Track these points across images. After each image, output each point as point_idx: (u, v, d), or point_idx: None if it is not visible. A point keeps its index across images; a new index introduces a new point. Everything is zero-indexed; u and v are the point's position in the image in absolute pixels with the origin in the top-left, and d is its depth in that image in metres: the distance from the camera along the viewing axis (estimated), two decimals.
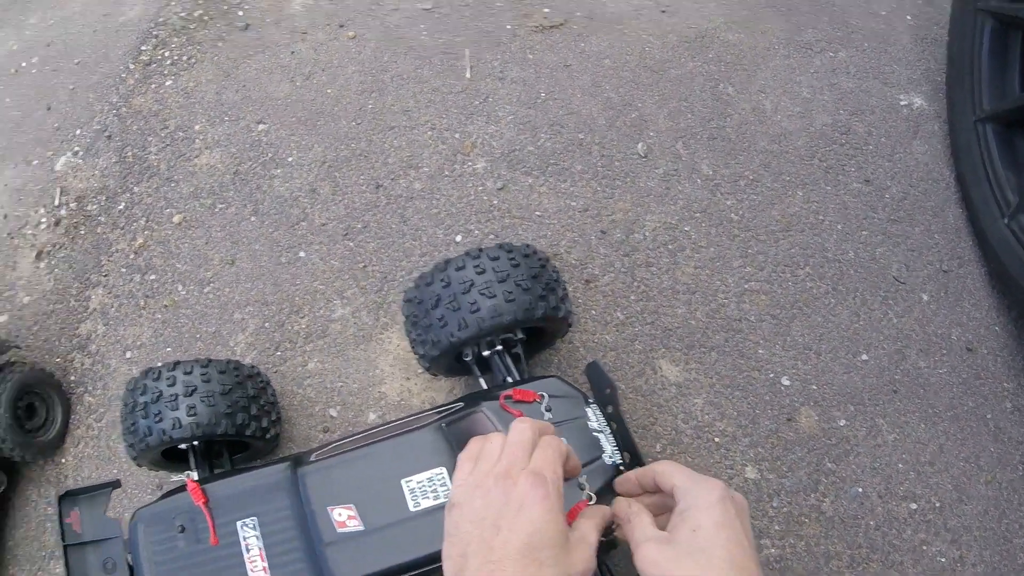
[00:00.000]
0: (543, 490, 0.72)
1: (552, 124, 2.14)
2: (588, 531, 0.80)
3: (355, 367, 1.90)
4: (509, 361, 1.49)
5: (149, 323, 2.11)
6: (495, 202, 2.03)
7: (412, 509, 1.13)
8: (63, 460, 2.11)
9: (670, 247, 1.98)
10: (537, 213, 2.02)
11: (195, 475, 1.55)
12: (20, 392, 2.02)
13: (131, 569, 1.21)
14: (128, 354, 2.11)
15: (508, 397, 1.22)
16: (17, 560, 2.09)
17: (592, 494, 1.04)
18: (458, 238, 1.99)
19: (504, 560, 0.68)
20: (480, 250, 1.47)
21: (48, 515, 2.10)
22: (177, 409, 1.48)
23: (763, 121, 2.22)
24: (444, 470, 1.17)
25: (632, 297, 1.92)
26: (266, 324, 1.99)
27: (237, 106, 2.29)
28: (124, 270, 2.20)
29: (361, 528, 1.12)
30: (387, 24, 2.36)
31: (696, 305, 1.90)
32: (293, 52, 2.36)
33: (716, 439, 1.72)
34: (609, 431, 1.23)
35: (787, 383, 1.79)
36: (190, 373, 1.53)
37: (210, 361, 1.58)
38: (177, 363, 1.57)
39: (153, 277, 2.15)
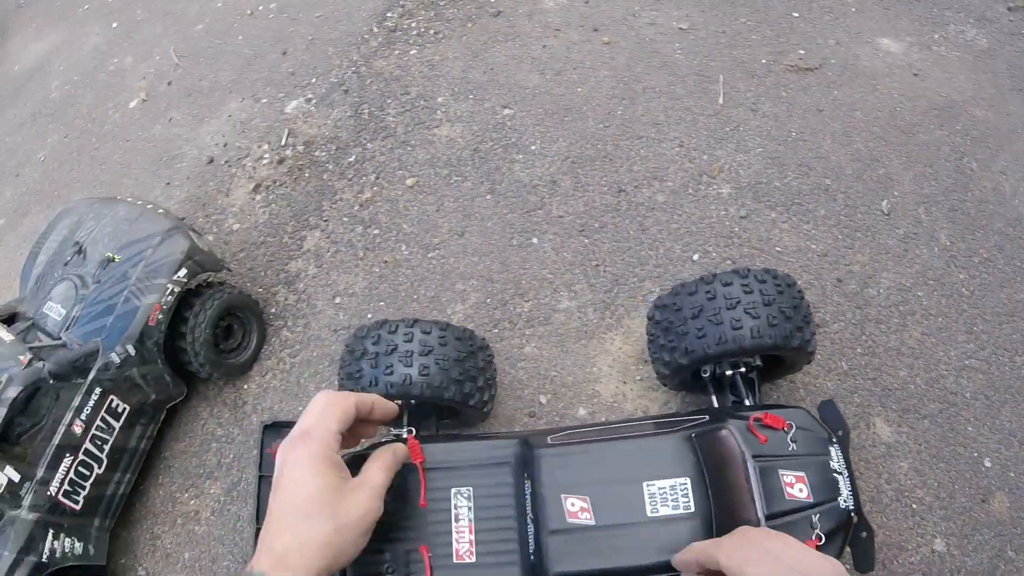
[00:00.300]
0: (304, 449, 0.76)
1: (800, 164, 2.12)
2: (373, 474, 0.84)
3: (572, 360, 1.88)
4: (744, 385, 1.47)
5: (365, 275, 2.14)
6: (736, 229, 2.01)
7: (649, 514, 1.08)
8: (245, 386, 2.14)
9: (901, 308, 1.94)
10: (777, 248, 1.99)
11: (407, 432, 1.54)
12: (224, 312, 2.06)
13: None
14: (337, 299, 2.14)
15: (758, 420, 1.18)
16: (170, 471, 2.11)
17: (822, 534, 1.02)
18: (695, 256, 1.97)
19: (280, 519, 0.74)
20: (748, 270, 1.45)
21: (216, 435, 2.11)
22: (410, 366, 1.46)
23: (1002, 203, 2.17)
24: (688, 480, 1.12)
25: (859, 350, 1.87)
26: (488, 300, 1.99)
27: (483, 87, 2.33)
28: (346, 219, 2.24)
29: (592, 522, 1.07)
30: (642, 36, 2.39)
31: (918, 371, 1.85)
32: (545, 46, 2.39)
33: (914, 505, 1.67)
34: (847, 474, 1.19)
35: (988, 465, 1.73)
36: (428, 333, 1.51)
37: (448, 325, 1.55)
38: (416, 321, 1.55)
39: (376, 232, 2.18)
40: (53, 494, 1.82)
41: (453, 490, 1.14)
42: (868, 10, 2.45)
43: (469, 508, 1.13)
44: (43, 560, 1.75)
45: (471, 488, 1.14)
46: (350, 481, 0.80)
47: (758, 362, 1.49)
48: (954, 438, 1.76)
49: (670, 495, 1.12)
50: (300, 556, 0.71)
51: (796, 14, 2.44)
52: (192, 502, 2.04)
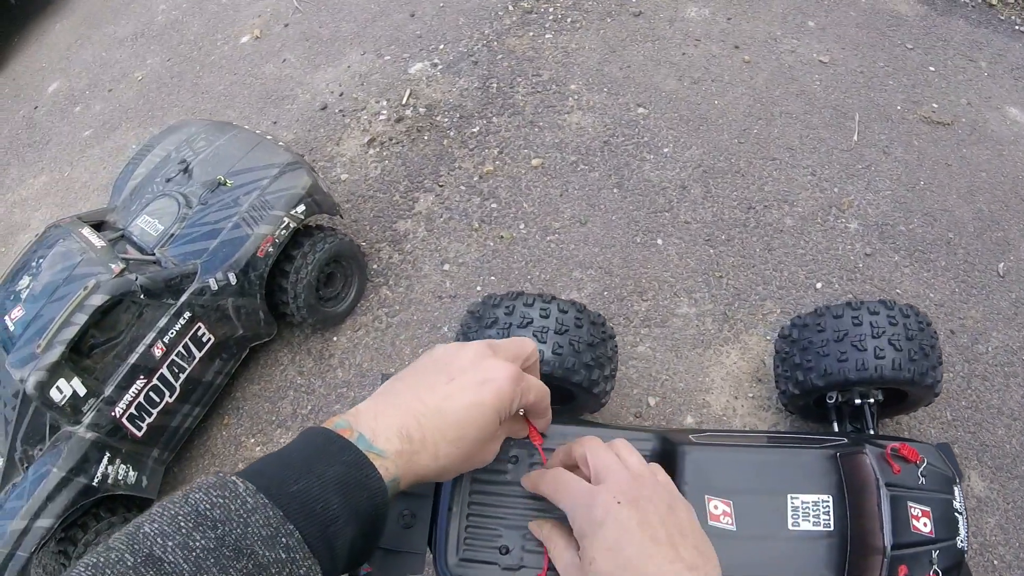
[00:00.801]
0: (510, 384, 0.69)
1: (926, 213, 2.12)
2: (503, 433, 0.79)
3: (686, 367, 1.86)
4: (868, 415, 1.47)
5: (478, 246, 2.11)
6: (860, 265, 2.01)
7: (791, 527, 1.04)
8: (334, 339, 2.10)
9: (1006, 369, 1.95)
10: (897, 291, 1.99)
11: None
12: (331, 258, 2.01)
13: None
14: (446, 266, 2.11)
15: (894, 450, 1.17)
16: (239, 413, 2.05)
17: (939, 570, 1.02)
18: (819, 285, 1.97)
19: (438, 416, 0.66)
20: (894, 303, 1.46)
21: (295, 383, 2.07)
22: (544, 343, 1.45)
23: None
24: (831, 498, 1.11)
25: (963, 403, 1.88)
26: (605, 292, 1.97)
27: (618, 82, 2.32)
28: (463, 188, 2.21)
29: (732, 528, 1.04)
30: (782, 62, 2.40)
31: (1015, 432, 1.86)
32: (684, 54, 2.39)
33: (995, 562, 1.67)
34: (965, 516, 1.18)
35: None
36: (566, 312, 1.48)
37: (584, 308, 1.52)
38: (554, 298, 1.51)
39: (495, 206, 2.16)
40: (117, 416, 1.75)
41: None
42: (999, 77, 2.47)
43: None
44: (93, 484, 1.69)
45: None
46: (497, 431, 0.76)
47: (880, 396, 1.50)
48: None
49: (812, 510, 1.10)
50: (427, 460, 0.65)
51: (932, 68, 2.45)
52: (258, 449, 2.00)
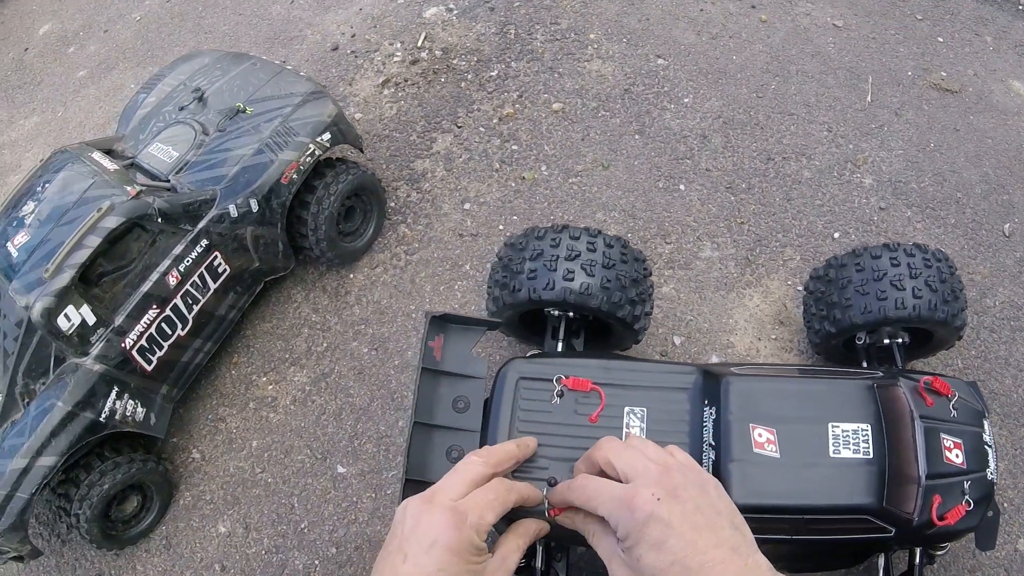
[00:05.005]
0: (455, 532, 0.69)
1: (936, 173, 2.18)
2: (510, 552, 0.78)
3: (710, 308, 1.87)
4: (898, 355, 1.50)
5: (499, 186, 2.09)
6: (875, 218, 2.05)
7: (832, 454, 1.08)
8: (351, 276, 2.06)
9: (1012, 324, 2.01)
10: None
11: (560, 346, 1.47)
12: (353, 191, 1.96)
13: (485, 409, 1.12)
14: (467, 205, 2.08)
15: (927, 383, 1.19)
16: (249, 351, 1.99)
17: (971, 500, 1.06)
18: (836, 235, 2.00)
19: None
20: (927, 247, 1.50)
21: (310, 320, 2.01)
22: (592, 276, 1.40)
23: None
24: (870, 427, 1.13)
25: (972, 353, 1.93)
26: (629, 235, 1.97)
27: (638, 34, 2.33)
28: (483, 130, 2.19)
29: (777, 455, 1.06)
30: (798, 23, 2.43)
31: (1021, 382, 1.91)
32: (702, 9, 2.41)
33: (1005, 504, 1.71)
34: (994, 449, 1.22)
35: None
36: (612, 247, 1.44)
37: (628, 244, 1.49)
38: (599, 232, 1.47)
39: (515, 148, 2.14)
40: (127, 347, 1.65)
41: (627, 408, 1.12)
42: (1004, 52, 2.55)
43: (641, 429, 1.11)
44: (100, 419, 1.59)
45: (645, 409, 1.13)
46: (489, 564, 0.74)
47: (907, 337, 1.51)
48: None
49: (852, 439, 1.12)
50: None
51: (940, 39, 2.52)
52: (270, 387, 1.94)
